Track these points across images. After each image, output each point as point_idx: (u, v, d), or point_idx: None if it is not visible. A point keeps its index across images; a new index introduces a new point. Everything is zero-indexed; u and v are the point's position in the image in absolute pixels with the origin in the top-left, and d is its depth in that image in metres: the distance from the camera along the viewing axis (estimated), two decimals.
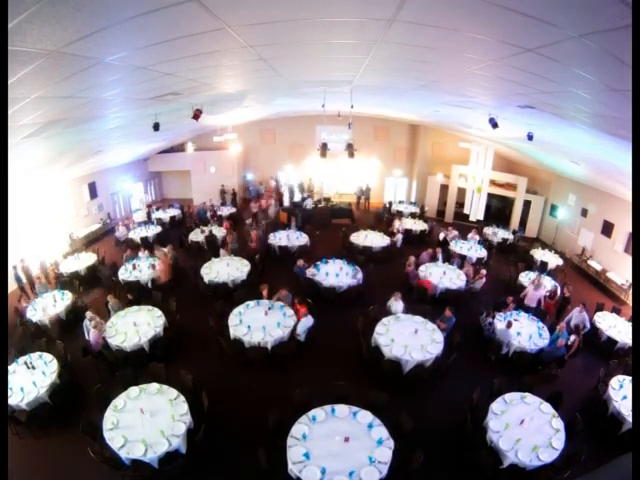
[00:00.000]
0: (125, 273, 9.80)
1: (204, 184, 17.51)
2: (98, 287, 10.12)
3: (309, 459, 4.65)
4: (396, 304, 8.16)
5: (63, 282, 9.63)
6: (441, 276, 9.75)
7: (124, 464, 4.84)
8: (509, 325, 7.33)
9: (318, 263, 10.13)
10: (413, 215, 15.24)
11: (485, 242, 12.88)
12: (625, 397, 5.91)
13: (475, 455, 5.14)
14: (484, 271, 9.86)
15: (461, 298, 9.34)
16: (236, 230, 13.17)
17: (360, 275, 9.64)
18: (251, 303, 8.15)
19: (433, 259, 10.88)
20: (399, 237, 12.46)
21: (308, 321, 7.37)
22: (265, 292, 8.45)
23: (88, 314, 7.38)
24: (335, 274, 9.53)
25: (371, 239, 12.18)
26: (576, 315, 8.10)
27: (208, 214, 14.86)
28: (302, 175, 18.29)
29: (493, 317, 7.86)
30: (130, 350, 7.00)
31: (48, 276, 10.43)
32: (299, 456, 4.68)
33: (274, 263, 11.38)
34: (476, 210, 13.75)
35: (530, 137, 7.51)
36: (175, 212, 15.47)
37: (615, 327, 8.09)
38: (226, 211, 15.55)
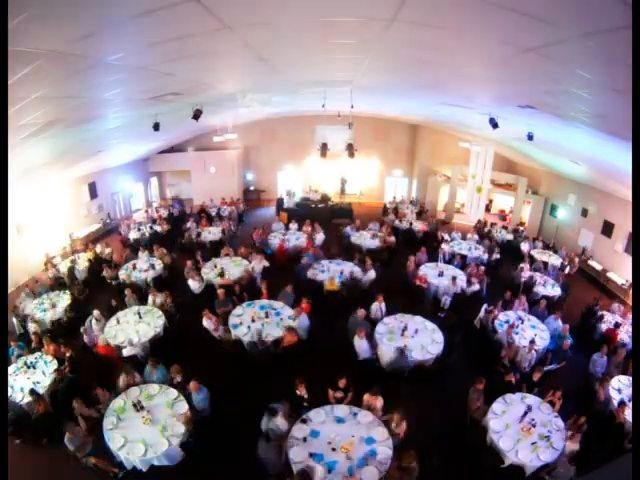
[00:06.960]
0: (125, 273, 9.77)
1: (204, 184, 17.49)
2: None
3: (309, 459, 4.63)
4: (378, 308, 7.94)
5: (63, 282, 9.61)
6: (440, 276, 9.72)
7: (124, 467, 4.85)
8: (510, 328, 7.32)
9: (321, 263, 10.10)
10: (418, 214, 15.21)
11: (492, 241, 12.71)
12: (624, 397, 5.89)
13: (475, 455, 5.13)
14: (483, 267, 9.83)
15: (461, 298, 9.31)
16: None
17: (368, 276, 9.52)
18: (251, 303, 8.13)
19: (431, 259, 10.85)
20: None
21: (305, 320, 7.34)
22: (265, 290, 8.44)
23: (95, 312, 7.47)
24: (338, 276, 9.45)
25: (372, 240, 12.14)
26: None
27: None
28: (303, 175, 18.31)
29: (494, 317, 7.85)
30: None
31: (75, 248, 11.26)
32: (299, 456, 4.68)
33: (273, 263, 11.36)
34: (476, 210, 13.76)
35: (530, 137, 7.51)
36: (175, 212, 15.41)
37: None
38: (228, 210, 15.43)
